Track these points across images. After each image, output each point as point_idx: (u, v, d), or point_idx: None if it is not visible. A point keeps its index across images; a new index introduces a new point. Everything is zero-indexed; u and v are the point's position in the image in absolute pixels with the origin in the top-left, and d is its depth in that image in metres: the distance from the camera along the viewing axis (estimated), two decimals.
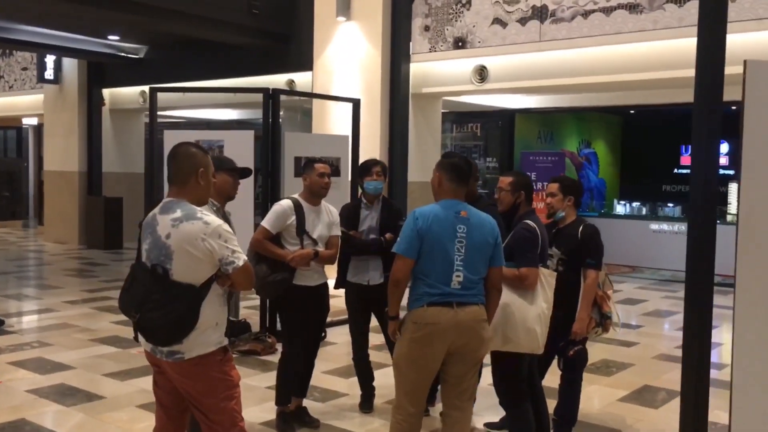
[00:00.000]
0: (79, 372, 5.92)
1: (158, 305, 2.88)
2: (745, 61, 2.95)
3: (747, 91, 2.97)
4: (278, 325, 5.87)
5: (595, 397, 5.54)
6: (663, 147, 15.87)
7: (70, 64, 14.66)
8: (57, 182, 15.04)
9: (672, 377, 5.73)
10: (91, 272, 11.35)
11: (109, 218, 14.06)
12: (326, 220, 4.66)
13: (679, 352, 6.30)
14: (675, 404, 3.99)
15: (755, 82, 2.97)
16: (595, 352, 6.82)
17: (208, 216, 2.97)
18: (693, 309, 3.45)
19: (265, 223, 4.54)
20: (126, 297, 3.00)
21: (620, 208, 13.89)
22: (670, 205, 13.63)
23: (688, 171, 3.85)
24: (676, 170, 15.91)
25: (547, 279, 3.86)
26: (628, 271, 12.17)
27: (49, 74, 14.73)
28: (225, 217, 3.99)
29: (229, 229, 3.00)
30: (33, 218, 18.94)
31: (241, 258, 2.97)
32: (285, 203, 4.58)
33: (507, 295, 3.77)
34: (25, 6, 10.59)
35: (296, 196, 4.67)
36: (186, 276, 2.91)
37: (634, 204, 13.75)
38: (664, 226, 12.57)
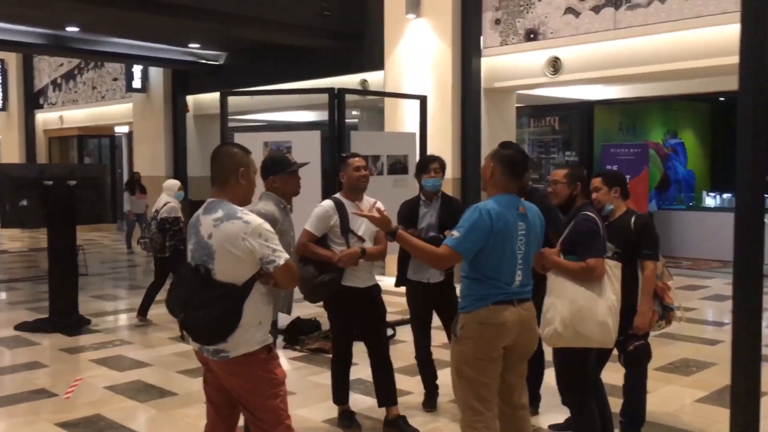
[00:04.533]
0: (154, 369, 6.13)
1: (202, 304, 2.93)
2: None
3: None
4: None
5: (671, 397, 5.29)
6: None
7: (155, 73, 15.28)
8: (146, 186, 15.64)
9: None
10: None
11: None
12: None
13: None
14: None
15: None
16: (676, 350, 6.53)
17: (248, 215, 3.00)
18: None
19: (308, 226, 4.44)
20: (172, 297, 3.06)
21: (710, 201, 13.27)
22: (766, 195, 12.89)
23: None
24: None
25: (613, 270, 3.71)
26: (719, 266, 11.61)
27: (136, 83, 15.40)
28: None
29: (270, 228, 3.02)
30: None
31: (283, 257, 2.97)
32: (326, 203, 4.48)
33: (574, 290, 3.63)
34: (113, 20, 11.10)
35: (337, 195, 4.55)
36: (228, 275, 2.95)
37: (725, 196, 13.09)
38: None
